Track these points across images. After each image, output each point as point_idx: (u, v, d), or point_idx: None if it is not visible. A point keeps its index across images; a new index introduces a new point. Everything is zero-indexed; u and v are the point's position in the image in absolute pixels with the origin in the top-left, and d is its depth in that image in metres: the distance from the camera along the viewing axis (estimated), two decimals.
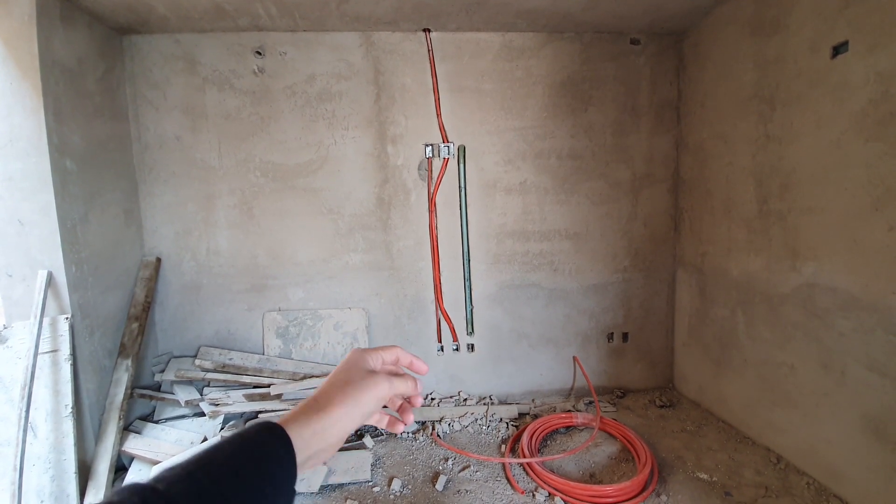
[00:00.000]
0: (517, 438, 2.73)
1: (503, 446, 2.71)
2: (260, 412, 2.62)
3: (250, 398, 2.68)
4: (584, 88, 3.12)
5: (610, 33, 3.08)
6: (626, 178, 3.22)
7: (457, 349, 3.26)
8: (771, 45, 2.37)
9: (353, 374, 0.59)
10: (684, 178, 3.20)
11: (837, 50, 2.02)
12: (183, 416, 2.75)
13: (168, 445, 2.50)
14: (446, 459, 2.60)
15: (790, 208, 2.31)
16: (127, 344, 2.66)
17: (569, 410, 3.04)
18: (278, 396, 2.69)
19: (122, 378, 2.56)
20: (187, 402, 2.70)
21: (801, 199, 2.25)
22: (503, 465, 2.49)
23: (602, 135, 3.17)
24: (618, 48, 3.11)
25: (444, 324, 3.22)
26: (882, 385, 1.89)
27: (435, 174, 3.09)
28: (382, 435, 2.89)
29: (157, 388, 2.87)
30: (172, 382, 2.83)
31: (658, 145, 3.23)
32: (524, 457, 2.46)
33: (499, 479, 2.41)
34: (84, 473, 2.29)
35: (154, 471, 2.27)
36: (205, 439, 2.53)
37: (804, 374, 2.28)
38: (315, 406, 0.54)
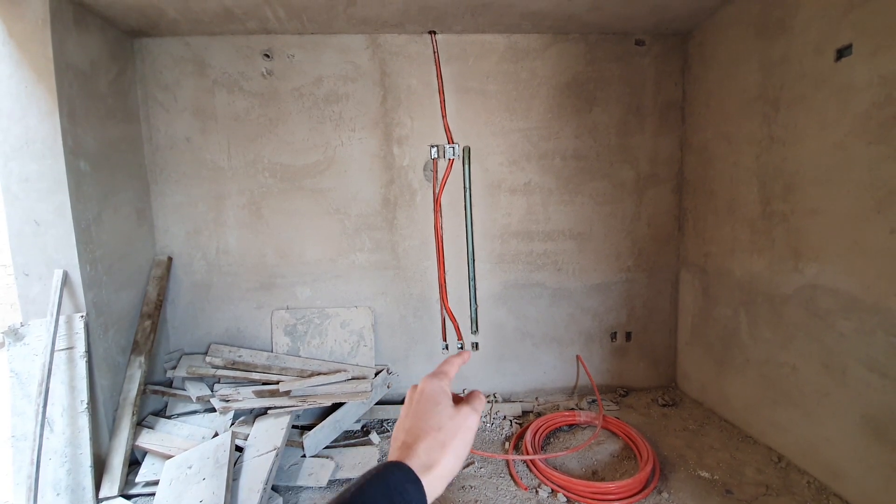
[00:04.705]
0: (521, 436, 2.77)
1: (507, 443, 2.75)
2: (269, 408, 2.68)
3: (260, 395, 2.74)
4: (589, 89, 3.13)
5: (615, 34, 3.09)
6: (630, 179, 3.24)
7: (461, 348, 3.30)
8: (776, 47, 2.38)
9: (443, 421, 0.56)
10: (688, 179, 3.21)
11: (842, 53, 2.04)
12: (194, 412, 2.81)
13: (180, 440, 2.56)
14: None
15: (793, 209, 2.33)
16: (140, 341, 2.73)
17: (572, 408, 3.08)
18: (287, 393, 2.75)
19: (136, 374, 2.62)
20: (198, 398, 2.76)
21: (804, 201, 2.26)
22: (507, 461, 2.54)
23: (606, 135, 3.18)
24: (623, 49, 3.12)
25: (449, 323, 3.26)
26: (882, 385, 1.91)
27: (440, 175, 3.13)
28: (388, 432, 2.94)
29: (169, 384, 2.94)
30: (184, 379, 2.90)
31: (662, 146, 3.24)
32: (528, 454, 2.50)
33: (502, 475, 2.46)
34: (99, 467, 2.35)
35: None
36: (216, 434, 2.59)
37: (806, 374, 2.30)
38: (421, 465, 0.51)
